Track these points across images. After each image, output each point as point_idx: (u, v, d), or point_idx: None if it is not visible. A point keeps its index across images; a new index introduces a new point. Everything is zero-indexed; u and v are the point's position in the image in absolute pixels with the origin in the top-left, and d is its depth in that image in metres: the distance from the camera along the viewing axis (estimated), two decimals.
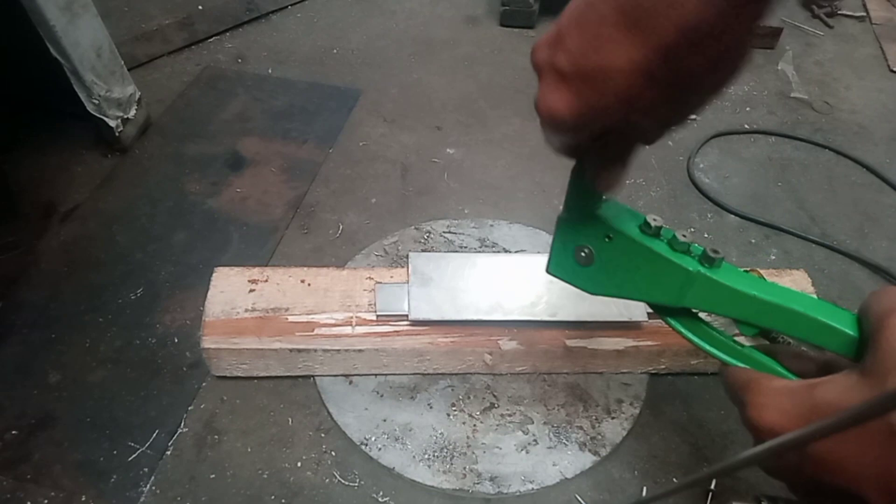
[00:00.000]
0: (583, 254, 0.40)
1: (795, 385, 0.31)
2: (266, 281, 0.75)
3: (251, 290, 0.74)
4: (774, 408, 0.30)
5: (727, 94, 1.25)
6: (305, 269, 0.77)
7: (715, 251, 0.36)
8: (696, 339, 0.38)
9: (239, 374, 0.74)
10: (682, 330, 0.39)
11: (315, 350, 0.71)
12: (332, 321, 0.72)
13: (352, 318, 0.72)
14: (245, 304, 0.72)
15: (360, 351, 0.71)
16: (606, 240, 0.39)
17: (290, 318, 0.72)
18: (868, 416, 0.24)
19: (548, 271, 0.44)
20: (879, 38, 1.44)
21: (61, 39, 0.87)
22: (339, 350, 0.71)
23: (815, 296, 0.76)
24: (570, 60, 0.30)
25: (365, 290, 0.75)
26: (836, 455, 0.27)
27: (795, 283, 0.78)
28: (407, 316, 0.71)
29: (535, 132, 1.12)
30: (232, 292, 0.74)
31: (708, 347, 0.38)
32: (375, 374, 0.74)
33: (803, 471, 0.29)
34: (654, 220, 0.38)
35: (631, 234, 0.38)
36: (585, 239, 0.40)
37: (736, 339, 0.37)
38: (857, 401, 0.27)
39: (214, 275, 0.75)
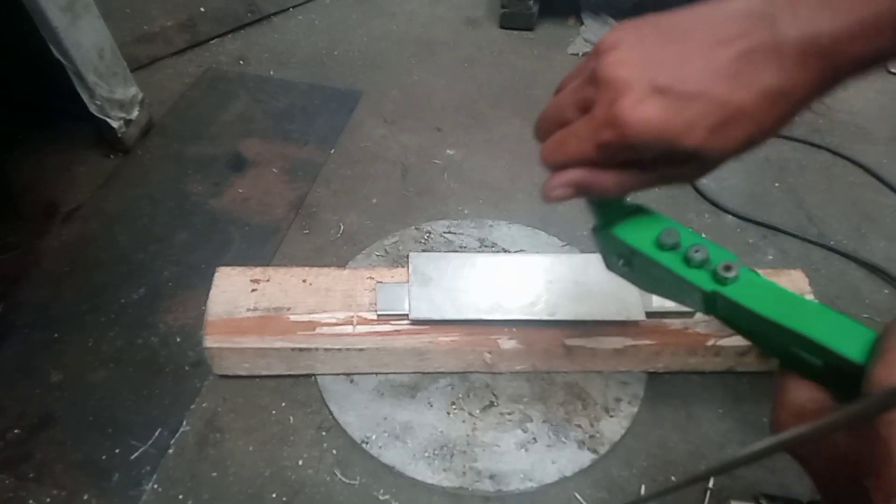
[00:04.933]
0: (621, 262, 0.41)
1: (816, 409, 0.31)
2: (268, 281, 0.75)
3: (253, 290, 0.74)
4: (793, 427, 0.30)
5: None
6: (307, 268, 0.78)
7: (728, 267, 0.35)
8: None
9: (241, 373, 0.74)
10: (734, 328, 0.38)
11: (316, 349, 0.71)
12: (334, 320, 0.72)
13: (353, 317, 0.73)
14: (247, 304, 0.73)
15: (361, 350, 0.71)
16: (631, 253, 0.39)
17: (292, 318, 0.72)
18: (862, 418, 0.25)
19: (607, 268, 0.44)
20: None
21: (63, 40, 0.88)
22: (340, 349, 0.71)
23: (813, 298, 0.76)
24: (672, 80, 0.30)
25: (366, 289, 0.75)
26: None
27: (793, 282, 0.79)
28: (407, 315, 0.71)
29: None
30: (234, 292, 0.74)
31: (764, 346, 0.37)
32: (376, 373, 0.75)
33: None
34: (670, 233, 0.37)
35: (646, 252, 0.38)
36: (616, 250, 0.40)
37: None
38: (846, 442, 0.27)
39: (217, 274, 0.76)
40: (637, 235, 0.39)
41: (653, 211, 0.40)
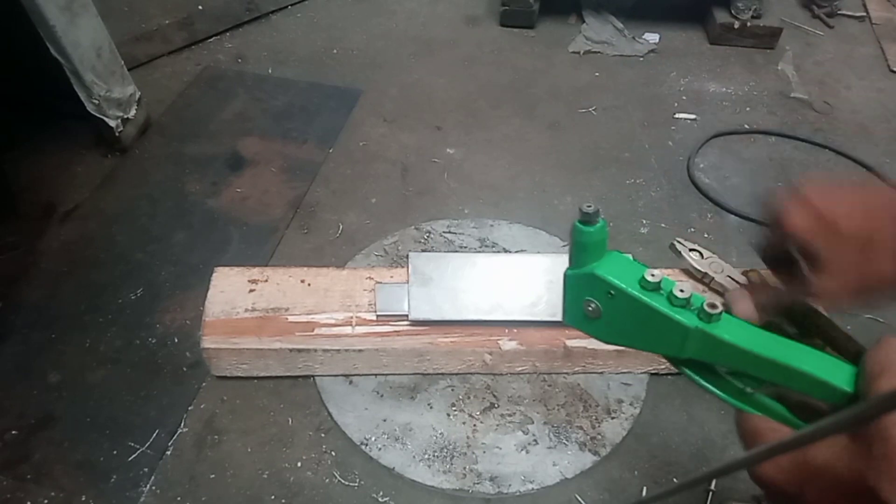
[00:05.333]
0: (590, 308, 0.42)
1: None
2: (266, 281, 0.75)
3: (251, 290, 0.74)
4: (772, 461, 0.30)
5: (727, 94, 1.25)
6: (305, 269, 0.77)
7: (713, 305, 0.36)
8: (707, 385, 0.39)
9: (239, 374, 0.74)
10: (694, 376, 0.39)
11: (315, 350, 0.71)
12: (332, 321, 0.72)
13: (352, 318, 0.72)
14: (245, 304, 0.72)
15: (360, 351, 0.71)
16: (609, 295, 0.40)
17: (290, 318, 0.72)
18: (846, 428, 0.24)
19: (564, 322, 0.45)
20: (879, 38, 1.44)
21: (61, 39, 0.87)
22: (339, 350, 0.71)
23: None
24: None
25: (365, 290, 0.75)
26: None
27: None
28: (407, 316, 0.71)
29: (535, 132, 1.13)
30: (232, 292, 0.74)
31: (719, 393, 0.38)
32: (375, 374, 0.74)
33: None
34: (653, 275, 0.38)
35: (631, 291, 0.39)
36: (591, 294, 0.42)
37: (746, 384, 0.38)
38: (846, 465, 0.27)
39: (214, 275, 0.75)
40: (621, 276, 0.40)
41: (630, 257, 0.42)
